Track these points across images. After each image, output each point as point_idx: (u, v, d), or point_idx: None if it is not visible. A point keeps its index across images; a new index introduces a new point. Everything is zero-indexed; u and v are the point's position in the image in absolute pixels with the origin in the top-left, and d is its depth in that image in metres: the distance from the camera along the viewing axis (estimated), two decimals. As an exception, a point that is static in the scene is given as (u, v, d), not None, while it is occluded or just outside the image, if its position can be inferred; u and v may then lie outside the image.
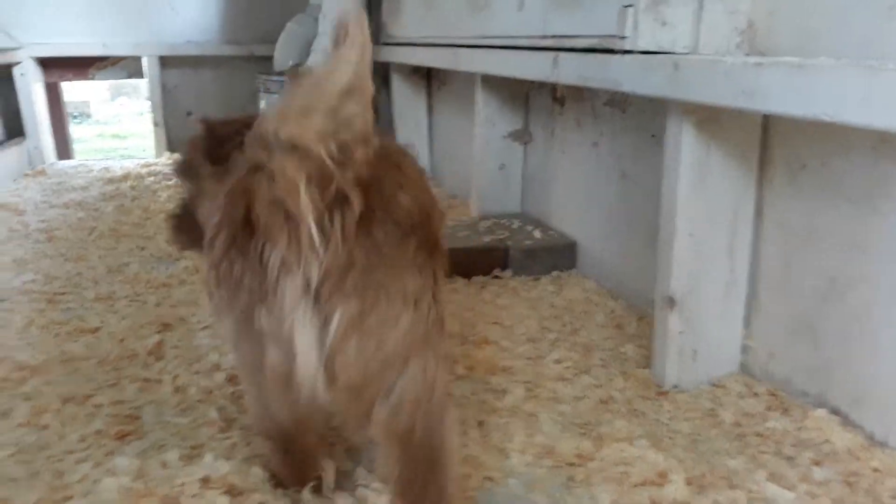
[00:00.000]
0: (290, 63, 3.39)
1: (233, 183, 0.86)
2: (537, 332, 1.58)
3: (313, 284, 0.78)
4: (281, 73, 3.39)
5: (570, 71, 1.56)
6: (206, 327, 1.60)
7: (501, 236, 2.00)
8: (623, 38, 1.41)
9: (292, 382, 0.82)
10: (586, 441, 1.15)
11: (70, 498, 1.00)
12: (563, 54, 1.57)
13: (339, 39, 0.74)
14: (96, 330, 1.60)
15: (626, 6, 1.40)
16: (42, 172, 3.33)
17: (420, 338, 0.84)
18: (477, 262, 1.91)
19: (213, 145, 1.15)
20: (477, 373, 1.40)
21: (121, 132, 6.55)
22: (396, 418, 0.85)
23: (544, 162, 2.14)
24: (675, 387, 1.33)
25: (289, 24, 3.43)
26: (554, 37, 1.64)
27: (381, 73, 3.28)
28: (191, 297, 1.79)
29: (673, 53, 1.33)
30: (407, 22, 2.82)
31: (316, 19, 3.40)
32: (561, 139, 2.03)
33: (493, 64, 1.98)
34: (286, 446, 0.99)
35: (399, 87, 3.12)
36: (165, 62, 3.71)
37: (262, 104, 3.42)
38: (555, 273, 1.92)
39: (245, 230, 0.81)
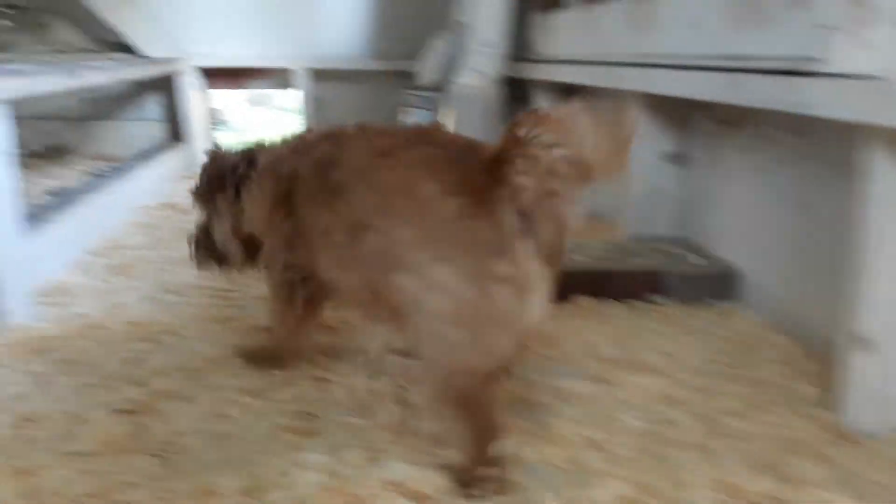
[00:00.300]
0: (433, 78, 3.45)
1: (473, 155, 1.08)
2: (703, 363, 1.52)
3: (540, 249, 1.01)
4: (424, 89, 3.46)
5: (751, 93, 1.50)
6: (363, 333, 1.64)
7: (656, 260, 1.95)
8: (817, 60, 1.35)
9: (510, 320, 1.02)
10: (774, 482, 1.09)
11: (268, 489, 1.04)
12: (743, 75, 1.52)
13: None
14: (266, 328, 1.67)
15: (822, 27, 1.34)
16: (198, 175, 3.55)
17: None
18: (630, 286, 1.87)
19: (221, 174, 1.41)
20: (642, 401, 1.36)
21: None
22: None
23: (704, 185, 2.07)
24: (864, 432, 1.24)
25: (434, 41, 3.50)
26: (733, 57, 1.59)
27: (522, 89, 3.29)
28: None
29: (875, 78, 1.25)
30: (558, 40, 2.82)
31: (460, 36, 3.46)
32: (725, 162, 1.96)
33: (656, 83, 1.94)
34: (472, 400, 1.05)
35: (540, 103, 3.12)
36: (315, 75, 3.87)
37: (405, 118, 3.50)
38: (714, 302, 1.85)
39: (484, 198, 1.01)
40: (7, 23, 3.15)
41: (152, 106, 3.75)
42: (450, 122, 3.17)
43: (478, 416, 1.06)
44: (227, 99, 4.12)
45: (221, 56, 3.79)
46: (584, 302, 1.84)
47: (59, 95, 3.30)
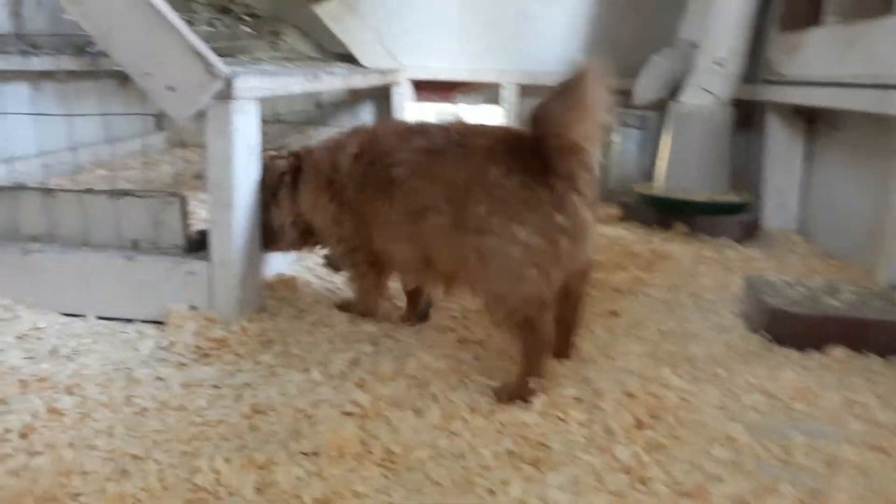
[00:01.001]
0: (652, 97, 3.28)
1: (517, 142, 1.40)
2: None
3: (587, 201, 1.35)
4: (639, 108, 3.30)
5: None
6: (590, 360, 1.52)
7: (931, 313, 1.66)
8: None
9: (572, 259, 1.35)
10: None
11: (508, 522, 0.95)
12: None
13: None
14: (481, 342, 1.60)
15: None
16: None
17: None
18: (898, 340, 1.61)
19: (281, 173, 1.72)
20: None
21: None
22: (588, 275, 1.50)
23: None
24: None
25: (654, 58, 3.33)
26: None
27: (748, 112, 3.04)
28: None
29: None
30: (808, 59, 2.55)
31: (685, 54, 3.26)
32: None
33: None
34: (542, 318, 1.36)
35: (774, 129, 2.86)
36: (522, 90, 3.82)
37: (617, 138, 3.35)
38: None
39: (536, 170, 1.34)
40: (247, 29, 3.38)
41: (365, 114, 3.87)
42: (665, 143, 2.99)
43: (537, 336, 1.35)
44: (417, 111, 4.16)
45: (434, 69, 3.85)
46: (839, 353, 1.61)
47: (282, 99, 3.48)
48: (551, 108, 1.33)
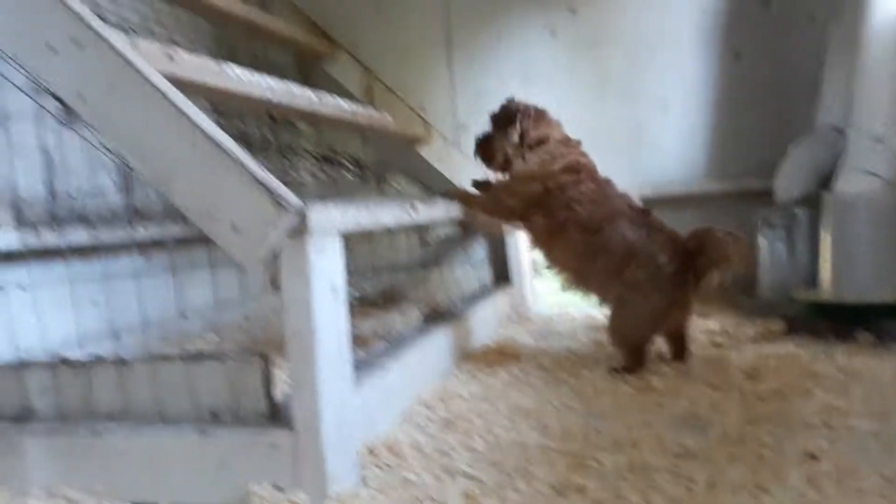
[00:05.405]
0: (798, 192, 2.87)
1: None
2: None
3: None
4: (785, 206, 2.88)
5: None
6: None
7: None
8: None
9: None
10: None
11: None
12: None
13: None
14: (640, 512, 1.21)
15: None
16: (528, 319, 3.27)
17: None
18: None
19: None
20: None
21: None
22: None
23: None
24: None
25: (792, 150, 2.95)
26: None
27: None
28: (738, 479, 1.30)
29: None
30: None
31: (827, 140, 2.87)
32: None
33: None
34: (634, 351, 2.12)
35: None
36: (646, 203, 3.49)
37: (761, 241, 2.92)
38: None
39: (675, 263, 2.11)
40: (351, 177, 3.31)
41: (478, 249, 3.65)
42: (826, 240, 2.54)
43: (632, 358, 2.10)
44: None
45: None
46: None
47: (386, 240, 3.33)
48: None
